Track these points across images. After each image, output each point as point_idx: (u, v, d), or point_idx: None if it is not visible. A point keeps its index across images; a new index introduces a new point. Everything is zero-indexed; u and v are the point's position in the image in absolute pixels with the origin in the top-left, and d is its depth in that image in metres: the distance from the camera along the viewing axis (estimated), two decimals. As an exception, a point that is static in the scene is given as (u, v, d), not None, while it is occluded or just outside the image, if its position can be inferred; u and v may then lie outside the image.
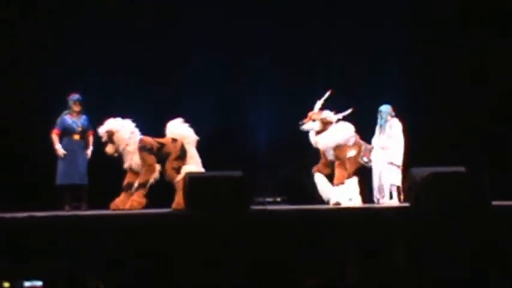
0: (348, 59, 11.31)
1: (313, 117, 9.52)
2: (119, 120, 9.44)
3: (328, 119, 9.53)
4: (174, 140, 9.41)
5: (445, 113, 11.17)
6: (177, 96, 10.98)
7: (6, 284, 6.19)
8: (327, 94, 9.55)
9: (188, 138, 9.48)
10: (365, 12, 11.34)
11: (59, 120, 9.75)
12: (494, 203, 8.08)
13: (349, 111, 9.57)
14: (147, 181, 9.24)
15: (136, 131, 9.43)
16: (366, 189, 9.86)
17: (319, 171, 9.62)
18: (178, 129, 9.51)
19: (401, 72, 11.16)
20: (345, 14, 11.39)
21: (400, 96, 10.66)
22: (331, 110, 9.64)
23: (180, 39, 11.20)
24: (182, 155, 9.37)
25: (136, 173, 9.30)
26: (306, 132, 9.67)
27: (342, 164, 9.49)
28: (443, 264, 6.76)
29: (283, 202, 10.11)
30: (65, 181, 9.61)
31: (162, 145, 9.37)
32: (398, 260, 7.00)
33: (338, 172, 9.47)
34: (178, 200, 8.96)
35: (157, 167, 9.32)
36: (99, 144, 9.57)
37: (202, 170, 9.33)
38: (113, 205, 9.12)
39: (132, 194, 9.18)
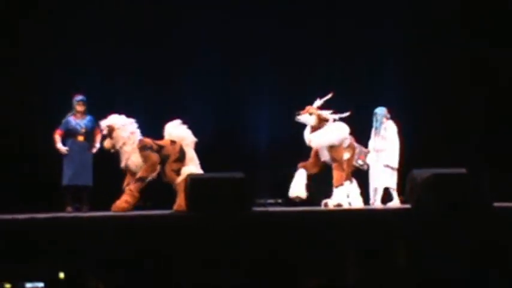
0: (348, 59, 11.32)
1: (311, 110, 9.41)
2: (122, 117, 9.38)
3: (325, 116, 9.44)
4: (173, 142, 9.37)
5: (445, 113, 11.17)
6: (177, 96, 10.98)
7: (8, 286, 6.21)
8: (329, 96, 9.48)
9: (187, 139, 9.44)
10: (365, 12, 11.35)
11: (63, 121, 9.75)
12: (495, 204, 8.09)
13: (347, 113, 9.47)
14: (147, 177, 9.21)
15: (137, 132, 9.37)
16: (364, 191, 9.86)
17: (305, 168, 9.40)
18: (177, 131, 9.46)
19: (401, 72, 11.17)
20: (345, 14, 11.39)
21: (400, 96, 10.68)
22: (329, 110, 9.63)
23: (181, 39, 11.21)
24: (181, 157, 9.33)
25: (134, 174, 9.26)
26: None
27: (340, 165, 9.36)
28: (444, 265, 6.79)
29: (283, 203, 10.08)
30: (70, 182, 9.61)
31: (161, 147, 9.32)
32: (400, 261, 7.03)
33: (336, 174, 9.34)
34: (180, 202, 8.93)
35: (158, 167, 9.32)
36: (101, 144, 9.57)
37: (201, 171, 9.29)
38: (114, 207, 9.09)
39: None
